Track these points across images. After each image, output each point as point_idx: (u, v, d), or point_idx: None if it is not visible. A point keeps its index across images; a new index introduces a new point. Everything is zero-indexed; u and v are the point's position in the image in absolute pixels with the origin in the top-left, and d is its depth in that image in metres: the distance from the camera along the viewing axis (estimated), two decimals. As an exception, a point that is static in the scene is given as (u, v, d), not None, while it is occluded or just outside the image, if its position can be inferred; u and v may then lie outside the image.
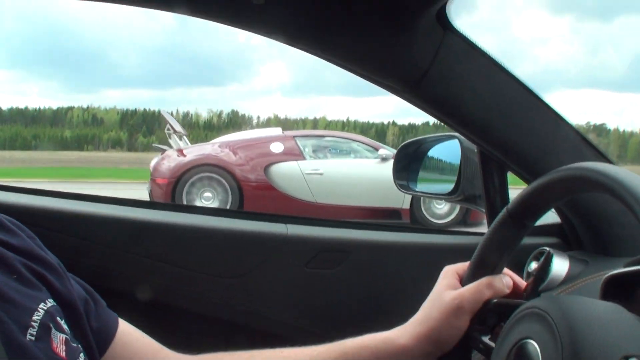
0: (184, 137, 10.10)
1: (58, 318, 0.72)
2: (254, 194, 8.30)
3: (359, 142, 9.38)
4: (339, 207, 8.20)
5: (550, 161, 1.16)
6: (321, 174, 8.45)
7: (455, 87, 1.11)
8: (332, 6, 1.00)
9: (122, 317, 0.89)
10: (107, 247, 1.27)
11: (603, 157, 1.20)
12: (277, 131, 9.51)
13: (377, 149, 8.97)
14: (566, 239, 1.31)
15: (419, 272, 1.28)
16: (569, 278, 1.10)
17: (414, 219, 8.28)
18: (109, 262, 1.27)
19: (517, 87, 1.12)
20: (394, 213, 8.34)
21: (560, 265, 1.11)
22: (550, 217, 1.34)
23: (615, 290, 0.81)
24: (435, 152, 1.48)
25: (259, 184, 8.36)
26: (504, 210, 0.82)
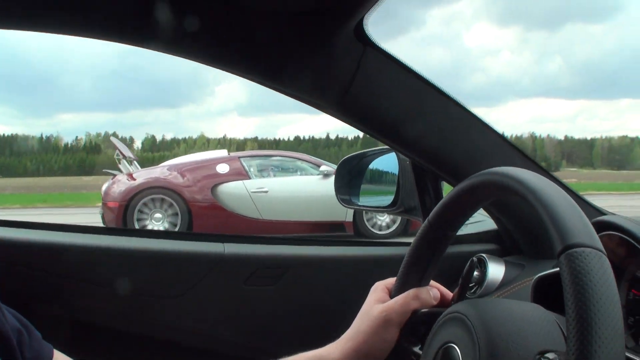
0: (134, 161, 10.37)
1: None
2: (202, 214, 8.47)
3: (303, 160, 9.64)
4: (285, 222, 8.40)
5: (478, 168, 1.12)
6: (266, 191, 8.65)
7: (378, 100, 1.11)
8: (254, 29, 0.99)
9: (60, 344, 0.87)
10: (45, 273, 1.24)
11: (530, 162, 1.21)
12: (222, 153, 9.72)
13: (319, 166, 9.22)
14: (504, 244, 1.32)
15: (354, 284, 1.28)
16: (505, 282, 1.11)
17: (357, 231, 8.47)
18: (46, 288, 1.25)
19: (439, 96, 1.12)
20: (338, 226, 8.53)
21: (495, 271, 1.12)
22: (489, 224, 1.35)
23: (544, 290, 0.85)
24: (375, 165, 1.48)
25: (206, 204, 8.54)
26: (426, 222, 0.81)
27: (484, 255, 1.11)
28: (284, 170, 9.47)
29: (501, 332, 0.61)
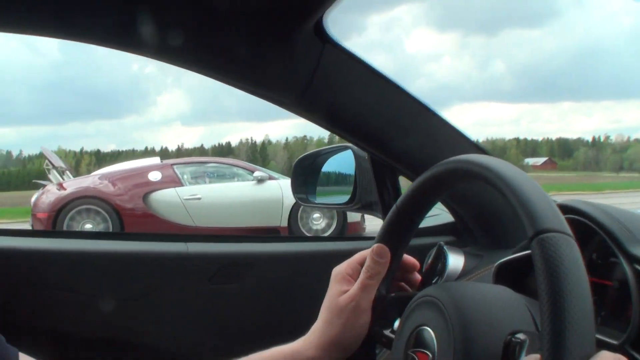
0: (67, 171, 10.20)
1: None
2: (134, 222, 8.37)
3: (238, 166, 9.64)
4: (219, 229, 8.39)
5: (433, 159, 1.11)
6: (199, 198, 8.66)
7: (338, 96, 1.12)
8: (215, 28, 0.99)
9: (25, 350, 0.85)
10: (5, 279, 1.22)
11: (481, 150, 1.23)
12: (155, 160, 9.62)
13: (252, 172, 9.25)
14: (461, 236, 1.34)
15: (319, 279, 1.26)
16: (465, 272, 1.14)
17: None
18: (7, 294, 1.22)
19: (396, 91, 1.13)
20: (272, 231, 8.54)
21: (455, 261, 1.14)
22: (445, 217, 1.38)
23: (505, 276, 0.87)
24: (330, 163, 1.48)
25: (138, 212, 8.48)
26: (394, 206, 0.82)
27: (443, 245, 1.12)
28: (219, 177, 9.42)
29: (473, 313, 0.62)
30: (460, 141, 1.21)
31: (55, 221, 8.17)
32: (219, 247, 1.38)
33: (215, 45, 1.02)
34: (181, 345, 1.33)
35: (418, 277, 0.88)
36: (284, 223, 8.66)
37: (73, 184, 8.96)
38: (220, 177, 9.45)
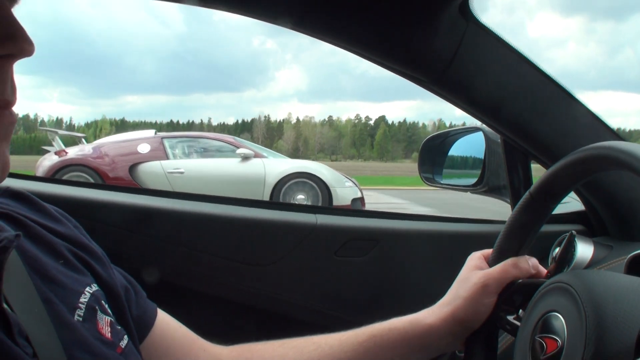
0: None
1: (102, 302, 0.71)
2: None
3: (227, 142, 9.74)
4: None
5: (571, 144, 1.14)
6: (182, 172, 8.81)
7: (478, 77, 1.10)
8: (357, 2, 0.98)
9: (161, 305, 0.87)
10: (149, 238, 1.26)
11: (620, 139, 1.17)
12: (149, 133, 9.75)
13: (238, 148, 9.35)
14: (591, 226, 1.31)
15: (444, 259, 1.31)
16: (593, 262, 1.12)
17: None
18: (149, 252, 1.27)
19: (537, 74, 1.11)
20: None
21: (584, 250, 1.13)
22: (575, 205, 1.35)
23: (638, 269, 0.84)
24: (459, 144, 1.47)
25: (123, 182, 8.55)
26: (527, 193, 0.81)
27: (574, 233, 1.06)
28: (210, 152, 9.55)
29: (608, 303, 0.60)
30: (601, 129, 1.18)
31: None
32: (345, 221, 1.37)
33: (361, 20, 1.01)
34: (303, 314, 1.35)
35: (543, 271, 0.88)
36: (266, 199, 8.75)
37: (70, 153, 9.16)
38: (211, 152, 9.56)
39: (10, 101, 0.53)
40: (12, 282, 0.59)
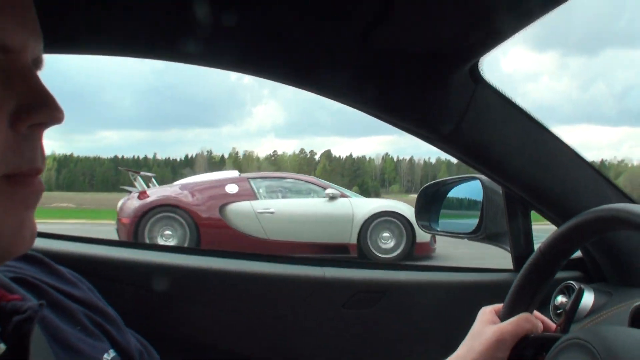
0: (152, 178, 10.77)
1: None
2: (209, 232, 8.65)
3: (311, 182, 9.83)
4: (290, 243, 8.56)
5: (574, 200, 1.18)
6: (272, 212, 8.82)
7: (485, 135, 1.13)
8: (373, 67, 1.03)
9: (165, 356, 0.88)
10: (159, 295, 1.27)
11: (625, 196, 1.22)
12: (233, 173, 9.92)
13: (325, 189, 9.40)
14: (588, 272, 1.32)
15: (451, 309, 1.33)
16: (594, 309, 1.13)
17: (361, 253, 8.61)
18: (160, 310, 1.28)
19: (540, 131, 1.15)
20: (342, 248, 8.67)
21: (586, 298, 1.14)
22: None
23: None
24: (455, 192, 1.49)
25: (214, 222, 8.72)
26: (537, 250, 0.83)
27: (577, 284, 1.08)
28: (294, 192, 9.60)
29: (628, 359, 0.61)
30: (605, 187, 1.20)
31: (137, 226, 8.57)
32: (353, 273, 1.39)
33: (374, 82, 1.05)
34: None
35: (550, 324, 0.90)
36: (354, 240, 8.75)
37: (156, 192, 9.31)
38: (295, 192, 9.61)
39: (41, 169, 0.55)
40: (34, 353, 0.59)
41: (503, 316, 0.88)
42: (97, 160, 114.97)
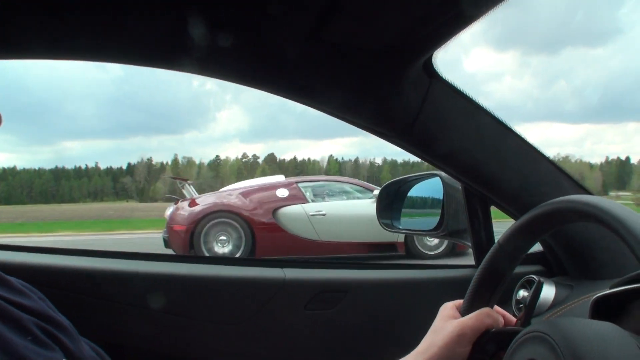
0: (191, 185, 10.94)
1: None
2: (265, 236, 8.78)
3: (358, 185, 9.97)
4: (341, 243, 8.71)
5: (532, 193, 1.16)
6: (324, 214, 8.96)
7: (441, 130, 1.11)
8: (325, 63, 1.00)
9: None
10: (112, 303, 1.25)
11: (581, 188, 1.20)
12: (280, 178, 10.05)
13: (371, 190, 9.49)
14: (549, 266, 1.30)
15: (413, 306, 1.32)
16: (556, 303, 1.11)
17: (408, 251, 8.73)
18: (114, 317, 1.25)
19: (496, 125, 1.12)
20: (390, 246, 8.78)
21: (547, 291, 1.13)
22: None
23: (603, 310, 0.83)
24: (416, 190, 1.47)
25: (269, 226, 8.84)
26: (496, 244, 0.82)
27: (537, 277, 1.08)
28: (339, 194, 9.78)
29: (586, 350, 0.61)
30: (561, 179, 1.19)
31: (192, 233, 8.74)
32: (314, 274, 1.37)
33: (329, 83, 1.04)
34: None
35: (511, 318, 0.90)
36: (401, 239, 8.86)
37: (206, 199, 9.49)
38: (340, 194, 9.78)
39: None
40: None
41: (464, 311, 0.87)
42: (36, 173, 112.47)
